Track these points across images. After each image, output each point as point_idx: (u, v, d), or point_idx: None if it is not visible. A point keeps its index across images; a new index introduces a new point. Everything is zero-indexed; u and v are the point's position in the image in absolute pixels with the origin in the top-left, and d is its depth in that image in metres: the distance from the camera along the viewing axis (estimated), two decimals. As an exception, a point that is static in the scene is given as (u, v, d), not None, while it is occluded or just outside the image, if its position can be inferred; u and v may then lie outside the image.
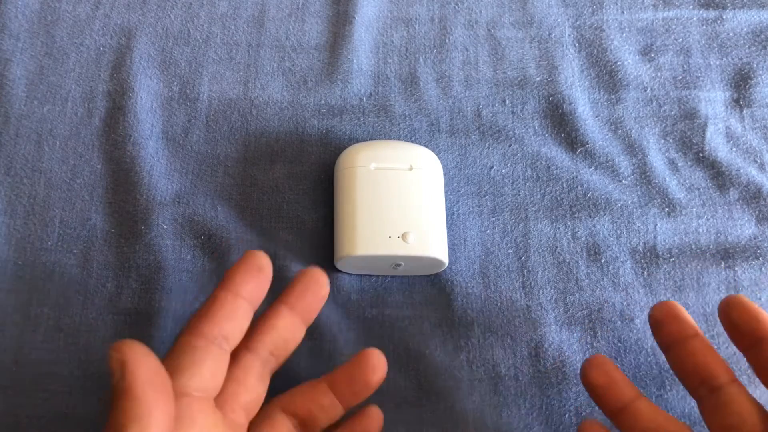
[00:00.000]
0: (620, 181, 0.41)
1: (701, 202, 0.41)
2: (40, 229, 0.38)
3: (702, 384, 0.30)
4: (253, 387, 0.29)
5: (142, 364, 0.23)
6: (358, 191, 0.36)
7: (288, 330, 0.30)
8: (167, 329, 0.36)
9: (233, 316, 0.28)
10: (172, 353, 0.27)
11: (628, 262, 0.39)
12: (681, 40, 0.45)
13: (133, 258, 0.37)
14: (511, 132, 0.42)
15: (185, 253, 0.37)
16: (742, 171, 0.41)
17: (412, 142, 0.41)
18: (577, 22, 0.46)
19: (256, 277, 0.29)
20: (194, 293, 0.37)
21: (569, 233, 0.39)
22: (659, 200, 0.40)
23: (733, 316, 0.30)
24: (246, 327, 0.29)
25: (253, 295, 0.29)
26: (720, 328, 0.37)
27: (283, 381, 0.33)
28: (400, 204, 0.35)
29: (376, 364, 0.30)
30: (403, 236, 0.35)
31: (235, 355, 0.29)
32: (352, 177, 0.36)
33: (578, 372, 0.36)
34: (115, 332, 0.35)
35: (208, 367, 0.26)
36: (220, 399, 0.28)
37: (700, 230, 0.40)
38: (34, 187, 0.39)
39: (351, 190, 0.36)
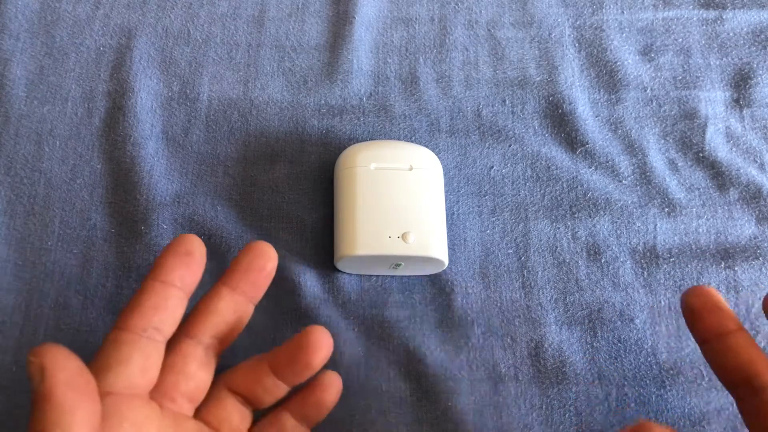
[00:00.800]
0: (620, 181, 0.41)
1: (701, 202, 0.41)
2: (40, 229, 0.38)
3: (744, 383, 0.28)
4: (195, 374, 0.28)
5: (62, 367, 0.22)
6: (358, 191, 0.36)
7: (230, 312, 0.29)
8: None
9: (163, 306, 0.27)
10: (99, 352, 0.26)
11: (628, 262, 0.39)
12: (681, 40, 0.45)
13: (133, 258, 0.37)
14: (511, 132, 0.42)
15: (185, 253, 0.37)
16: (742, 171, 0.41)
17: (412, 142, 0.41)
18: (577, 22, 0.46)
19: (184, 262, 0.27)
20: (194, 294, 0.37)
21: (569, 233, 0.39)
22: (659, 200, 0.40)
23: None
24: (180, 314, 0.27)
25: (185, 281, 0.27)
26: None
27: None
28: (400, 204, 0.35)
29: (319, 343, 0.28)
30: (403, 236, 0.35)
31: (174, 344, 0.28)
32: (352, 177, 0.36)
33: (578, 372, 0.36)
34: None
35: (135, 362, 0.25)
36: (158, 390, 0.27)
37: (700, 230, 0.40)
38: (34, 187, 0.39)
39: (351, 190, 0.36)
